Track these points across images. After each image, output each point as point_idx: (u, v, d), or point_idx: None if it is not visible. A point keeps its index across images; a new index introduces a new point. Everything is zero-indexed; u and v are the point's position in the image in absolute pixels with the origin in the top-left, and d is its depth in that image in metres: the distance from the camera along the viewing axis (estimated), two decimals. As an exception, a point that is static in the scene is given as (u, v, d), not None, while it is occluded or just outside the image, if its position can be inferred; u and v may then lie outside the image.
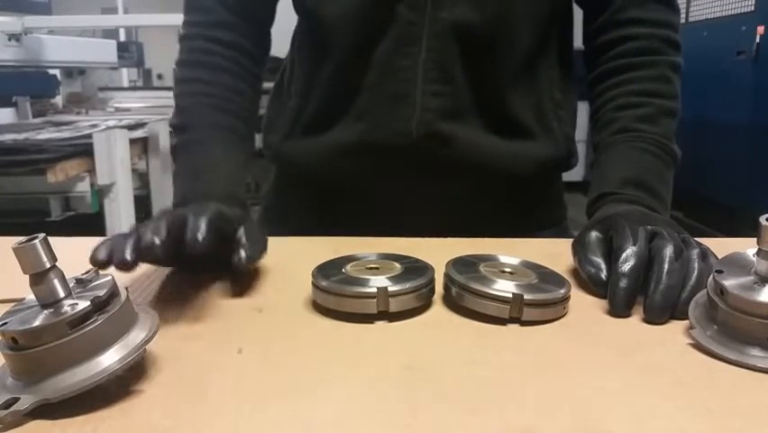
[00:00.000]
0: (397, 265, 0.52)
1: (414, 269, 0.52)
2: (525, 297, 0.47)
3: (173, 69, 0.77)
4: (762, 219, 0.41)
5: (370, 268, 0.52)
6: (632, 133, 0.70)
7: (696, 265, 0.50)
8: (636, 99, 0.71)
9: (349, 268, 0.52)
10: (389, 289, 0.47)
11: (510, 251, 0.57)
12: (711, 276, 0.45)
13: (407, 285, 0.48)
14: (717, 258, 0.50)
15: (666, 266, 0.49)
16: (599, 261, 0.54)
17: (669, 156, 0.70)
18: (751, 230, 0.42)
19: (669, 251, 0.50)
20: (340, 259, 0.54)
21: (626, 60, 0.73)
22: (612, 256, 0.52)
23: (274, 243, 0.57)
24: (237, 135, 0.72)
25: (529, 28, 0.70)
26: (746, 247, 0.45)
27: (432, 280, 0.51)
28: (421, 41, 0.68)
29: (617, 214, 0.58)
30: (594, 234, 0.56)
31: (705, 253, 0.52)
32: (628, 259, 0.50)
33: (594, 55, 0.76)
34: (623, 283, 0.49)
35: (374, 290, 0.47)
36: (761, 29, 3.28)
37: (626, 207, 0.61)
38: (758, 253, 0.42)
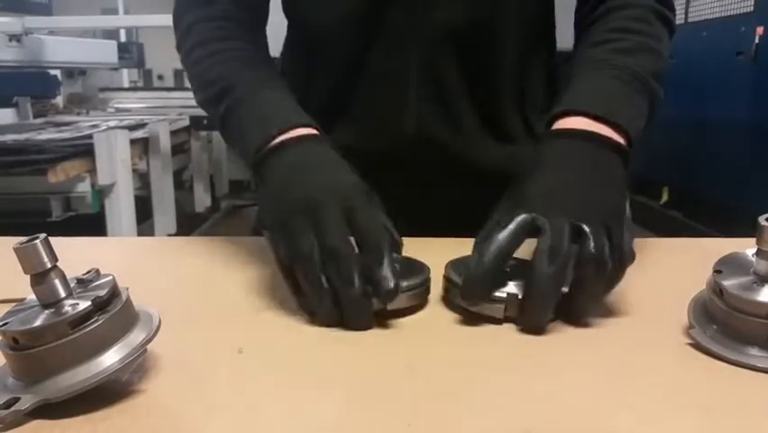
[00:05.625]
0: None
1: (408, 267, 0.51)
2: (521, 297, 0.47)
3: (183, 55, 0.71)
4: (761, 219, 0.41)
5: None
6: (601, 62, 0.62)
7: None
8: (614, 35, 0.64)
9: None
10: None
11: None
12: (711, 276, 0.45)
13: (403, 284, 0.47)
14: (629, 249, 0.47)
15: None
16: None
17: (643, 86, 0.60)
18: (751, 230, 0.42)
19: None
20: None
21: (606, 6, 0.68)
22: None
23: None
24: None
25: (519, 30, 0.70)
26: (746, 247, 0.45)
27: (427, 280, 0.51)
28: (413, 45, 0.68)
29: (545, 184, 0.52)
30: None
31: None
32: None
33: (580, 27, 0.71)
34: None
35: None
36: (760, 29, 3.28)
37: (565, 156, 0.54)
38: (758, 253, 0.42)
